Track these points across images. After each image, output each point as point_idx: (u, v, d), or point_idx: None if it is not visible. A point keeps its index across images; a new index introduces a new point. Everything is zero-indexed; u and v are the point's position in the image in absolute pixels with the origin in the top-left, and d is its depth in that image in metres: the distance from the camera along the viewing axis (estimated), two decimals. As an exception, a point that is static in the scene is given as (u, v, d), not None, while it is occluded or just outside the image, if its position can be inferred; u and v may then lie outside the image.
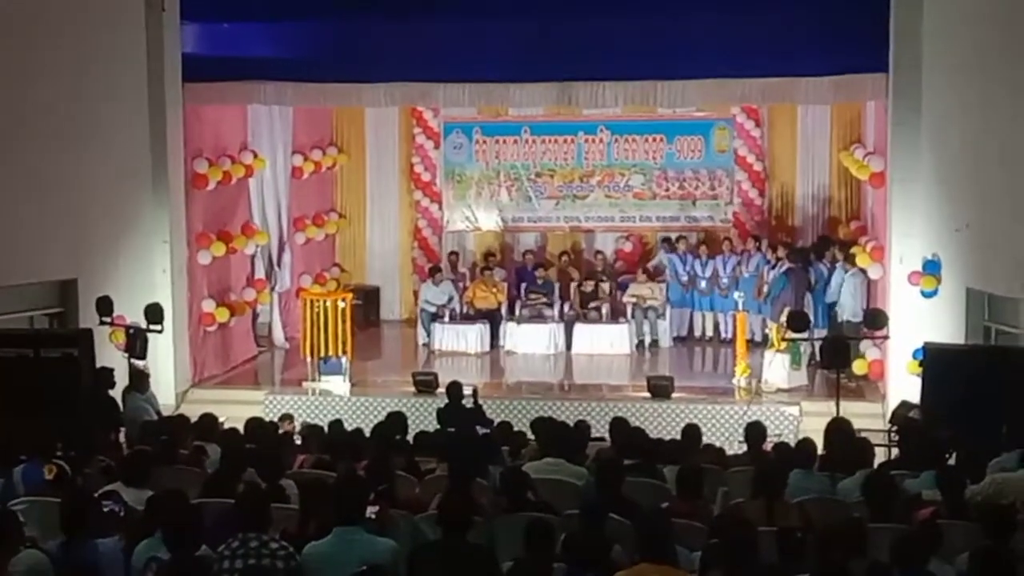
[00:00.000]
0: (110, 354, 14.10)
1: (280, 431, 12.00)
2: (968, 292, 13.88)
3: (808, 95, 16.55)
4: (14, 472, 9.12)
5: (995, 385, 11.40)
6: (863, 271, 16.33)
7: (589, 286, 18.99)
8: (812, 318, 15.77)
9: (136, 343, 14.26)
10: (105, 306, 14.23)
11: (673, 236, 19.98)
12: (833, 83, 15.75)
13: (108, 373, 13.12)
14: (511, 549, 7.00)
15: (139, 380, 13.64)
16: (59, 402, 11.73)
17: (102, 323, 14.21)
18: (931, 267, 14.43)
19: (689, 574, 6.50)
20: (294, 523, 7.52)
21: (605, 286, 19.13)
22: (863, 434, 10.65)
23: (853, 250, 16.62)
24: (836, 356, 13.82)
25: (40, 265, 14.10)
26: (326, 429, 11.87)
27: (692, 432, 11.00)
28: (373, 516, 7.03)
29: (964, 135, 13.85)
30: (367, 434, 10.73)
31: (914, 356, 13.70)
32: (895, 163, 15.11)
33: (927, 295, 14.45)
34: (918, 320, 14.37)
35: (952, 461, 9.56)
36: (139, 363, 14.08)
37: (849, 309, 16.33)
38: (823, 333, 15.89)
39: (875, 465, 9.66)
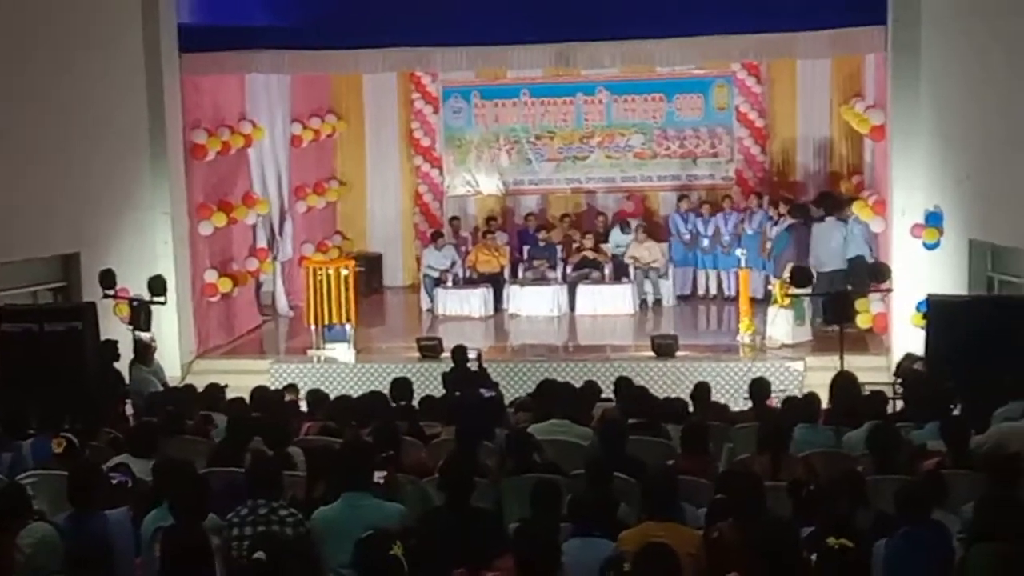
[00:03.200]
0: (114, 327, 14.12)
1: (285, 399, 12.03)
2: (971, 243, 13.86)
3: (807, 50, 16.42)
4: (23, 446, 9.18)
5: (999, 335, 11.40)
6: (842, 220, 16.57)
7: (586, 242, 19.02)
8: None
9: (140, 315, 14.28)
10: (108, 279, 14.25)
11: (633, 221, 19.70)
12: (831, 37, 15.63)
13: (112, 346, 13.15)
14: (519, 510, 7.04)
15: (144, 352, 13.68)
16: (65, 376, 11.78)
17: (105, 296, 14.23)
18: (933, 219, 14.41)
19: (695, 531, 6.53)
20: (302, 490, 7.58)
21: (607, 246, 19.13)
22: (869, 387, 10.68)
23: (855, 204, 16.59)
24: (839, 311, 13.83)
25: (42, 240, 14.10)
26: (331, 397, 11.91)
27: (702, 390, 11.04)
28: (381, 481, 7.07)
29: (963, 86, 13.80)
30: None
31: (918, 308, 13.71)
32: (895, 116, 15.06)
33: (929, 247, 14.44)
34: (921, 272, 14.37)
35: (957, 412, 9.59)
36: (143, 335, 14.10)
37: (832, 261, 16.41)
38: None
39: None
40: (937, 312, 12.37)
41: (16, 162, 13.53)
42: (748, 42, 16.00)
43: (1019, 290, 13.12)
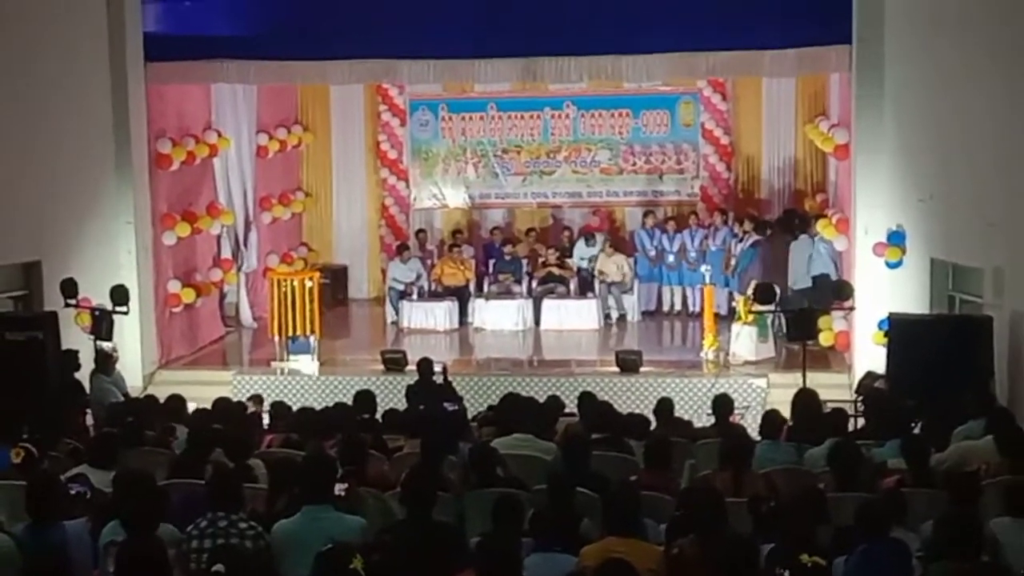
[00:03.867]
0: (75, 336, 14.01)
1: (249, 411, 11.96)
2: (932, 262, 13.96)
3: (772, 68, 16.51)
4: (-20, 456, 9.07)
5: (959, 354, 11.50)
6: (811, 238, 16.81)
7: (551, 257, 19.05)
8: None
9: (102, 325, 14.18)
10: (70, 288, 14.14)
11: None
12: (797, 56, 15.71)
13: (73, 355, 13.06)
14: (481, 525, 7.02)
15: (105, 362, 13.58)
16: (25, 385, 11.68)
17: (67, 305, 14.11)
18: (896, 238, 14.50)
19: (656, 547, 6.53)
20: (263, 502, 7.53)
21: (572, 261, 19.18)
22: (830, 404, 10.73)
23: (819, 222, 16.70)
24: (802, 328, 13.90)
25: (3, 248, 13.95)
26: (294, 409, 11.85)
27: (665, 405, 11.07)
28: (342, 494, 7.04)
29: (925, 105, 13.91)
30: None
31: (879, 327, 13.79)
32: (859, 135, 15.14)
33: (892, 266, 14.52)
34: (883, 291, 14.45)
35: (917, 430, 9.65)
36: (105, 345, 14.00)
37: (804, 278, 16.64)
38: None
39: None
40: (898, 330, 12.46)
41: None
42: (715, 59, 16.05)
43: (979, 309, 13.21)
